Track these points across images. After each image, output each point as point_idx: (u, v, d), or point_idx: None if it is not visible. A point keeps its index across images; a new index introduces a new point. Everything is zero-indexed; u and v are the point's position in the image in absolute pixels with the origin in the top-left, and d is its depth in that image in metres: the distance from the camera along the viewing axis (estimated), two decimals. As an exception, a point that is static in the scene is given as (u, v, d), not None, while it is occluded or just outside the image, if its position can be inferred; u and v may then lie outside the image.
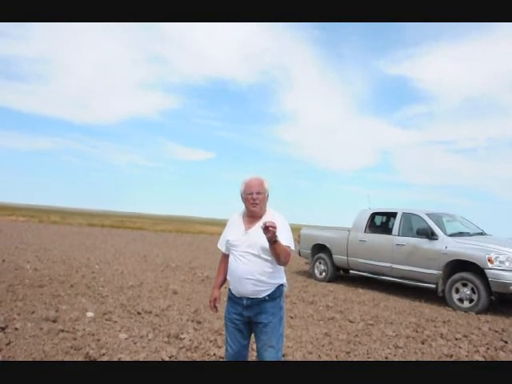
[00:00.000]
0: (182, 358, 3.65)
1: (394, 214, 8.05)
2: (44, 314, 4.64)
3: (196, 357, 3.70)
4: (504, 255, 6.11)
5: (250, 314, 2.49)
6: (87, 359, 3.48)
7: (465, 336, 4.81)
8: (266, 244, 2.27)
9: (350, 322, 5.31)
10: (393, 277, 7.56)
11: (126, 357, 3.57)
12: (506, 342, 4.62)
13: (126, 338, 4.08)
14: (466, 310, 6.18)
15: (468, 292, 6.31)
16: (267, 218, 2.39)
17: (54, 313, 4.75)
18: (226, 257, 2.66)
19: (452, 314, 6.08)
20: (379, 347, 4.26)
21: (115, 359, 3.50)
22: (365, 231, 8.26)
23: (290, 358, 3.75)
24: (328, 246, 8.83)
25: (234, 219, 2.63)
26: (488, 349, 4.36)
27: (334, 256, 8.67)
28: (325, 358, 3.84)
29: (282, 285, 2.57)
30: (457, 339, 4.68)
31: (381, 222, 8.64)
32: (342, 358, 3.91)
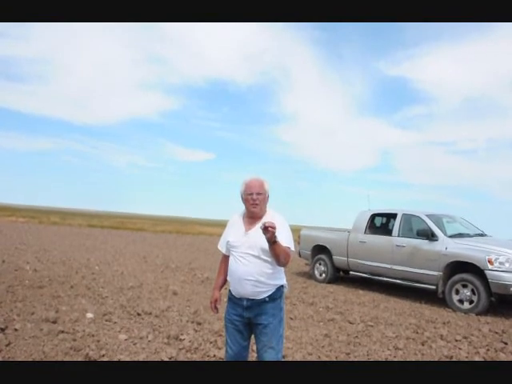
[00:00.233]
0: (181, 359, 3.64)
1: (393, 215, 8.04)
2: (44, 315, 4.63)
3: (196, 358, 3.69)
4: (504, 256, 6.11)
5: (250, 315, 2.48)
6: (87, 360, 3.47)
7: (465, 337, 4.80)
8: (266, 245, 2.26)
9: (350, 323, 5.30)
10: (393, 278, 7.55)
11: (125, 358, 3.56)
12: (506, 344, 4.61)
13: (125, 339, 4.07)
14: (466, 312, 6.17)
15: (468, 293, 6.30)
16: (267, 218, 2.38)
17: (53, 314, 4.74)
18: (226, 258, 2.65)
19: (452, 315, 6.07)
20: (379, 348, 4.25)
21: (115, 360, 3.49)
22: (365, 232, 8.26)
23: (289, 359, 3.74)
24: (328, 247, 8.83)
25: (234, 220, 2.61)
26: (488, 350, 4.35)
27: (334, 257, 8.67)
28: (325, 359, 3.83)
29: (282, 286, 2.56)
30: (457, 340, 4.67)
31: (381, 223, 8.64)
32: (342, 359, 3.90)
